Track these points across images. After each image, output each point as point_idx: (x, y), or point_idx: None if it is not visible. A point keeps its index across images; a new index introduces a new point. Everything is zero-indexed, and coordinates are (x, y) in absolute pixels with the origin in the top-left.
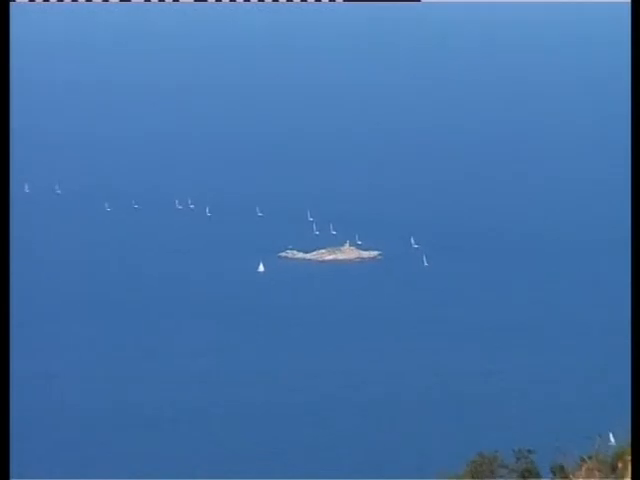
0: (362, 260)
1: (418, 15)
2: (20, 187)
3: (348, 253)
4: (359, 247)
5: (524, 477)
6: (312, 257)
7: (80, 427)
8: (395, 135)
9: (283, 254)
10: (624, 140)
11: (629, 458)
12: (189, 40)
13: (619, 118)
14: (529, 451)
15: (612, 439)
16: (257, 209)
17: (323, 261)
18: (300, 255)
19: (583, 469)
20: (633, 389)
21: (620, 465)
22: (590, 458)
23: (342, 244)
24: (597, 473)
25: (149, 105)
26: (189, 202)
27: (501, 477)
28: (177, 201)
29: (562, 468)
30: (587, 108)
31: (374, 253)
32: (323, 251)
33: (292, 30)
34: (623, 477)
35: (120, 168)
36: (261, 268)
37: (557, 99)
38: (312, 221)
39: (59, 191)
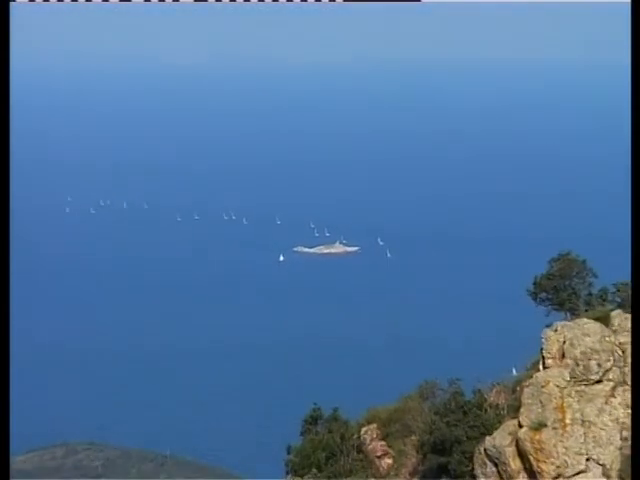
0: (347, 253)
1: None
2: (120, 204)
3: (338, 248)
4: (345, 244)
5: (454, 397)
6: (314, 251)
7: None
8: (372, 161)
9: (295, 249)
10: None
11: (524, 384)
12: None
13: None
14: (457, 379)
15: (514, 371)
16: (277, 218)
17: (322, 254)
18: (306, 250)
19: (494, 391)
20: (633, 391)
21: (518, 389)
22: (499, 384)
23: (333, 242)
24: (502, 394)
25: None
26: (232, 214)
27: (439, 397)
28: (224, 214)
29: (479, 391)
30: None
31: (355, 248)
32: (321, 247)
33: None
34: (520, 398)
35: (184, 189)
36: (281, 258)
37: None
38: (313, 227)
39: (146, 206)
